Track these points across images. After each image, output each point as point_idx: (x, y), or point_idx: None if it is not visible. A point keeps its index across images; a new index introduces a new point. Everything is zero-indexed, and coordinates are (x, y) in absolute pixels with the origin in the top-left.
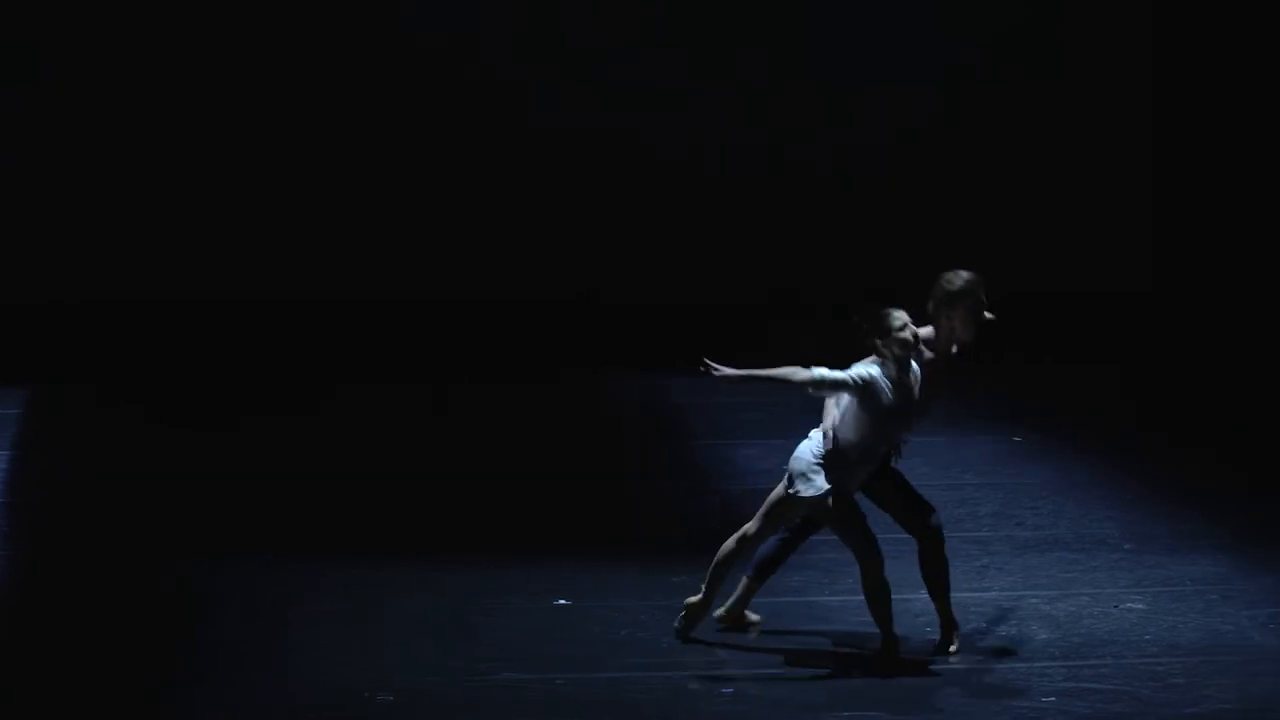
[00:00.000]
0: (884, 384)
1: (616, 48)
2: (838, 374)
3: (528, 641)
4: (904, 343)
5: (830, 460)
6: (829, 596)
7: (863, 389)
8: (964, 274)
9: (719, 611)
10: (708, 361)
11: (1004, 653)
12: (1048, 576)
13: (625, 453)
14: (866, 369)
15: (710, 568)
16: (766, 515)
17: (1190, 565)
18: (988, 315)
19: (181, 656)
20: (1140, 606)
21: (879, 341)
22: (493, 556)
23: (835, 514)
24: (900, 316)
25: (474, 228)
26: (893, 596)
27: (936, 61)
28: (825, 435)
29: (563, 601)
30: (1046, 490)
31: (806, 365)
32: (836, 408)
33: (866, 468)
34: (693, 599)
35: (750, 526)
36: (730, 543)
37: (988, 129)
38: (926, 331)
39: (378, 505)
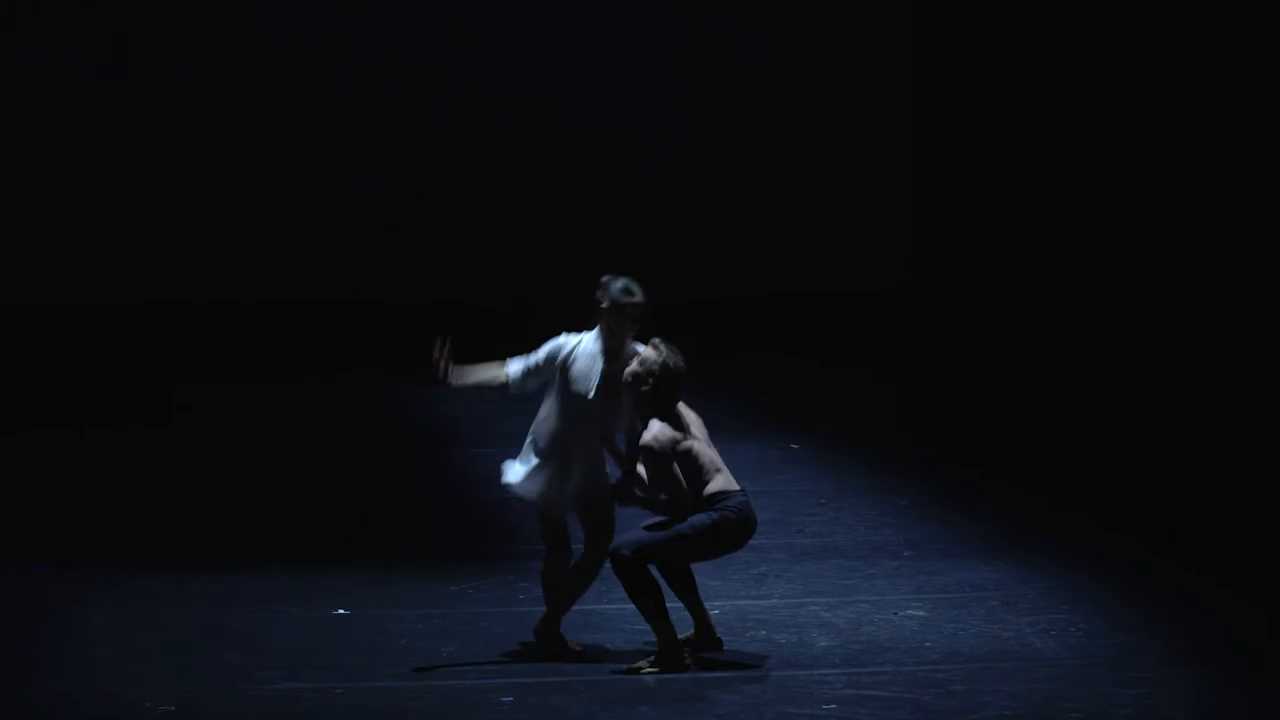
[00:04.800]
0: (579, 351)
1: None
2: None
3: (305, 650)
4: (622, 308)
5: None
6: (606, 605)
7: (547, 361)
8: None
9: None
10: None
11: (784, 660)
12: (827, 583)
13: (400, 460)
14: (557, 340)
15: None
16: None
17: (969, 571)
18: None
19: None
20: (921, 613)
21: (603, 307)
22: (269, 565)
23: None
24: (625, 283)
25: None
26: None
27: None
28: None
29: (341, 611)
30: (824, 497)
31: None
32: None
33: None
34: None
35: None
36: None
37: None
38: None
39: (151, 514)
